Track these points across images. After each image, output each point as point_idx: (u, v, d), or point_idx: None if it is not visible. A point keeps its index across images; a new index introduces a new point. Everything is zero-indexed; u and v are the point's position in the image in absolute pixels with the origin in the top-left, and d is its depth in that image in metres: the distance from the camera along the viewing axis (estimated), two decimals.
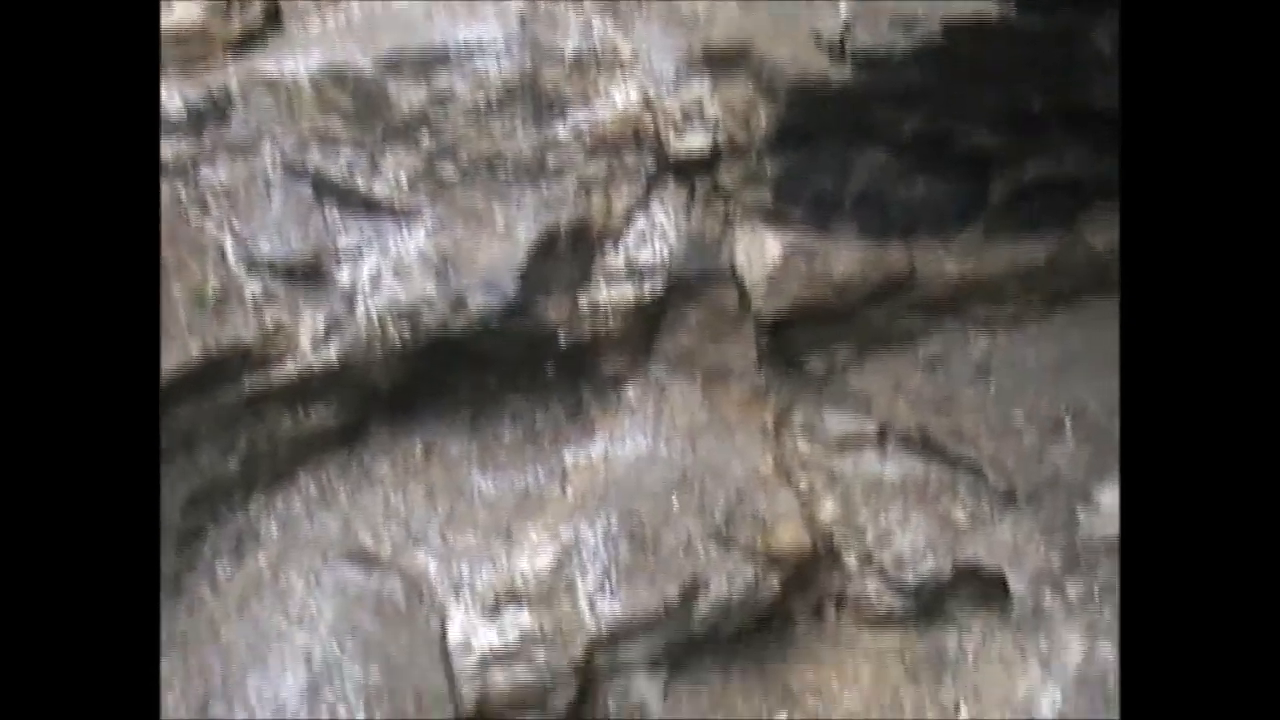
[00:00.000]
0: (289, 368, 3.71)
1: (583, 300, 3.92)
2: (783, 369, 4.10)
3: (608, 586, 3.72)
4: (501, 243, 3.79)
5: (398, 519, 3.84)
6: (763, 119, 3.83)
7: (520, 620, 3.69)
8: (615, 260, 3.93)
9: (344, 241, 3.75)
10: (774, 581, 3.91)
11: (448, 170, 3.82)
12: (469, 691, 3.61)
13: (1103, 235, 3.87)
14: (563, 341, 3.93)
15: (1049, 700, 3.39)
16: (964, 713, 3.89)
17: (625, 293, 3.95)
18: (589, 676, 3.74)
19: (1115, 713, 3.14)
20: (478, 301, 3.78)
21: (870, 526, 4.01)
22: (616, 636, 3.74)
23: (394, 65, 3.75)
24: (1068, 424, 3.84)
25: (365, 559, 3.73)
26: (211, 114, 3.75)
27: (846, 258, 3.96)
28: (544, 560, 3.74)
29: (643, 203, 3.92)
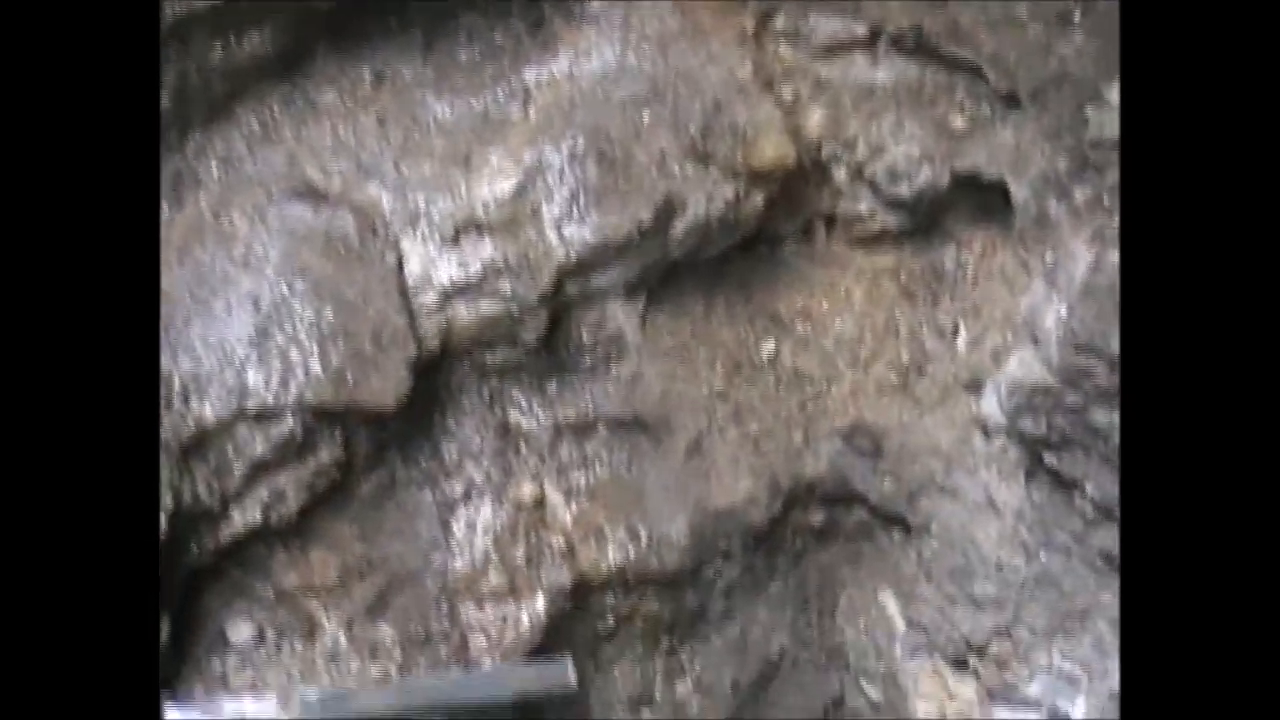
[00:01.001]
0: None
1: None
2: None
3: (576, 211, 3.53)
4: None
5: (347, 152, 3.62)
6: None
7: (483, 250, 3.52)
8: None
9: None
10: (757, 199, 3.70)
11: None
12: (431, 327, 3.48)
13: None
14: None
15: (1054, 314, 3.22)
16: (963, 333, 3.74)
17: None
18: (559, 306, 3.60)
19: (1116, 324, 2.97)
20: None
21: (861, 137, 3.77)
22: (587, 263, 3.57)
23: None
24: (1076, 15, 3.51)
25: (313, 195, 3.53)
26: None
27: None
28: (506, 186, 3.53)
29: None
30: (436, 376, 3.55)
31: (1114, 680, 3.32)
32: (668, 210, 3.57)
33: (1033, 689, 3.54)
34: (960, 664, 3.71)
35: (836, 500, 3.88)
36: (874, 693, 4.06)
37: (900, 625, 3.90)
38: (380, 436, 3.44)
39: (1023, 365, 3.42)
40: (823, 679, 4.10)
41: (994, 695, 3.62)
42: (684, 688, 3.86)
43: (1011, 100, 3.58)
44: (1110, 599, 3.38)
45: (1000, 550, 3.57)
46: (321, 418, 3.31)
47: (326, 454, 3.34)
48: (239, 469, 3.26)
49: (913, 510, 3.74)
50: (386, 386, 3.37)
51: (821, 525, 3.94)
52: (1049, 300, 3.33)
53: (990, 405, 3.51)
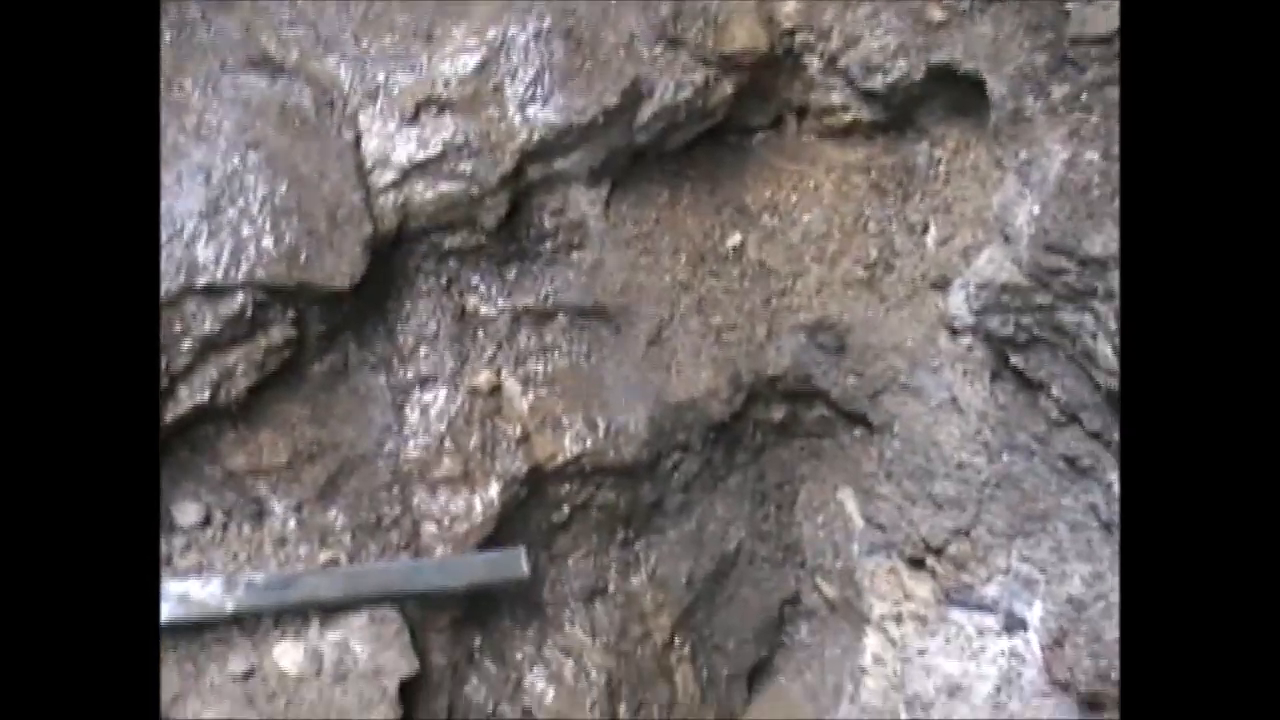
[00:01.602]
0: None
1: None
2: None
3: (540, 91, 3.45)
4: None
5: (305, 22, 3.51)
6: None
7: (443, 128, 3.44)
8: None
9: None
10: (726, 87, 3.64)
11: None
12: (387, 206, 3.41)
13: None
14: None
15: (1026, 212, 3.18)
16: (933, 230, 3.71)
17: None
18: (521, 190, 3.53)
19: (1099, 226, 2.93)
20: None
21: (836, 26, 3.69)
22: (550, 146, 3.50)
23: None
24: None
25: (269, 65, 3.43)
26: None
27: None
28: (469, 62, 3.45)
29: None
30: (393, 258, 3.48)
31: (1072, 585, 3.33)
32: (635, 94, 3.51)
33: (989, 591, 3.55)
34: (917, 563, 3.71)
35: (798, 396, 3.86)
36: (830, 590, 4.07)
37: (859, 523, 3.90)
38: (333, 318, 3.38)
39: (992, 263, 3.39)
40: (779, 576, 4.11)
41: (950, 596, 3.64)
42: (638, 580, 3.85)
43: None
44: (1071, 502, 3.37)
45: (962, 451, 3.56)
46: (273, 295, 3.24)
47: (278, 333, 3.28)
48: (187, 346, 3.18)
49: (875, 408, 3.72)
50: (341, 266, 3.31)
51: (782, 421, 3.92)
52: (1021, 198, 3.29)
53: (958, 303, 3.48)
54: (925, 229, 3.72)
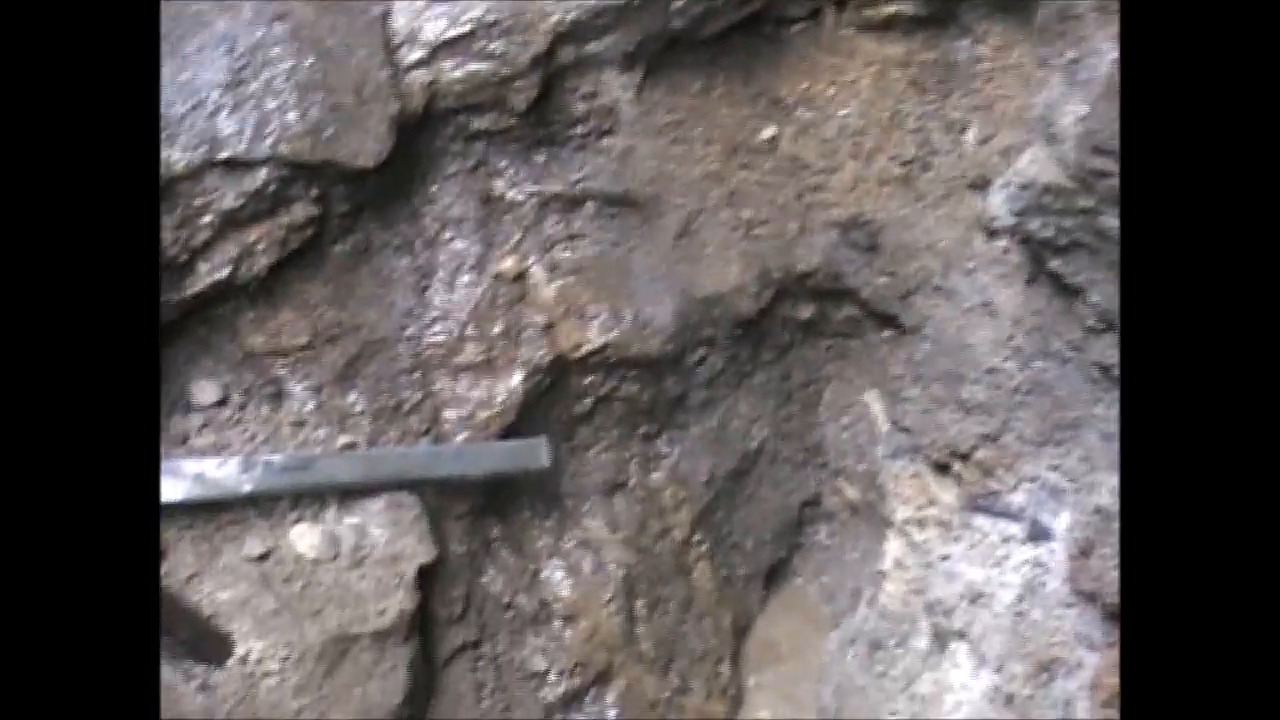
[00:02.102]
0: None
1: None
2: None
3: None
4: None
5: None
6: None
7: (474, 6, 3.37)
8: None
9: None
10: None
11: None
12: (415, 85, 3.33)
13: None
14: None
15: (1072, 113, 3.09)
16: (973, 129, 3.63)
17: None
18: (552, 72, 3.45)
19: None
20: None
21: None
22: (583, 27, 3.43)
23: None
24: None
25: None
26: None
27: None
28: None
29: None
30: (419, 138, 3.41)
31: (1100, 495, 3.28)
32: None
33: (1016, 498, 3.51)
34: (943, 469, 3.67)
35: (828, 295, 3.80)
36: (852, 493, 4.04)
37: (884, 426, 3.85)
38: (357, 197, 3.31)
39: (1035, 164, 3.30)
40: (800, 476, 4.08)
41: (975, 503, 3.60)
42: (659, 476, 3.82)
43: None
44: (1103, 411, 3.32)
45: (994, 356, 3.50)
46: (297, 172, 3.17)
47: (300, 211, 3.21)
48: (207, 220, 3.13)
49: (906, 310, 3.66)
50: (366, 143, 3.24)
51: (810, 319, 3.87)
52: (1067, 98, 3.19)
53: (997, 203, 3.41)
54: (965, 128, 3.64)
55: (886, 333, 3.79)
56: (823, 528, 4.19)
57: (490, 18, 3.36)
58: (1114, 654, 3.18)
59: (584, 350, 3.54)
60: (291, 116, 3.17)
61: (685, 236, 3.61)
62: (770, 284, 3.69)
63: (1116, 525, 3.15)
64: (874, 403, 3.89)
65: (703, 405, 3.84)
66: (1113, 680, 3.12)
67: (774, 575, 4.18)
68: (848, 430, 3.99)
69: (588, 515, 3.69)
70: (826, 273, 3.72)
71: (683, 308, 3.61)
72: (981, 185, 3.53)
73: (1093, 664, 3.23)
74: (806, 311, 3.84)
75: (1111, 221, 3.06)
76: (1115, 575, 3.12)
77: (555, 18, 3.38)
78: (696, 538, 3.89)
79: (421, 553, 3.22)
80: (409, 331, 3.44)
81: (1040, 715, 3.33)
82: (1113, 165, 3.01)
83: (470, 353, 3.45)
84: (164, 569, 2.96)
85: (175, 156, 3.08)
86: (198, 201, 3.12)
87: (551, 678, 3.53)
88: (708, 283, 3.63)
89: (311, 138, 3.17)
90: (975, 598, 3.53)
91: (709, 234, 3.64)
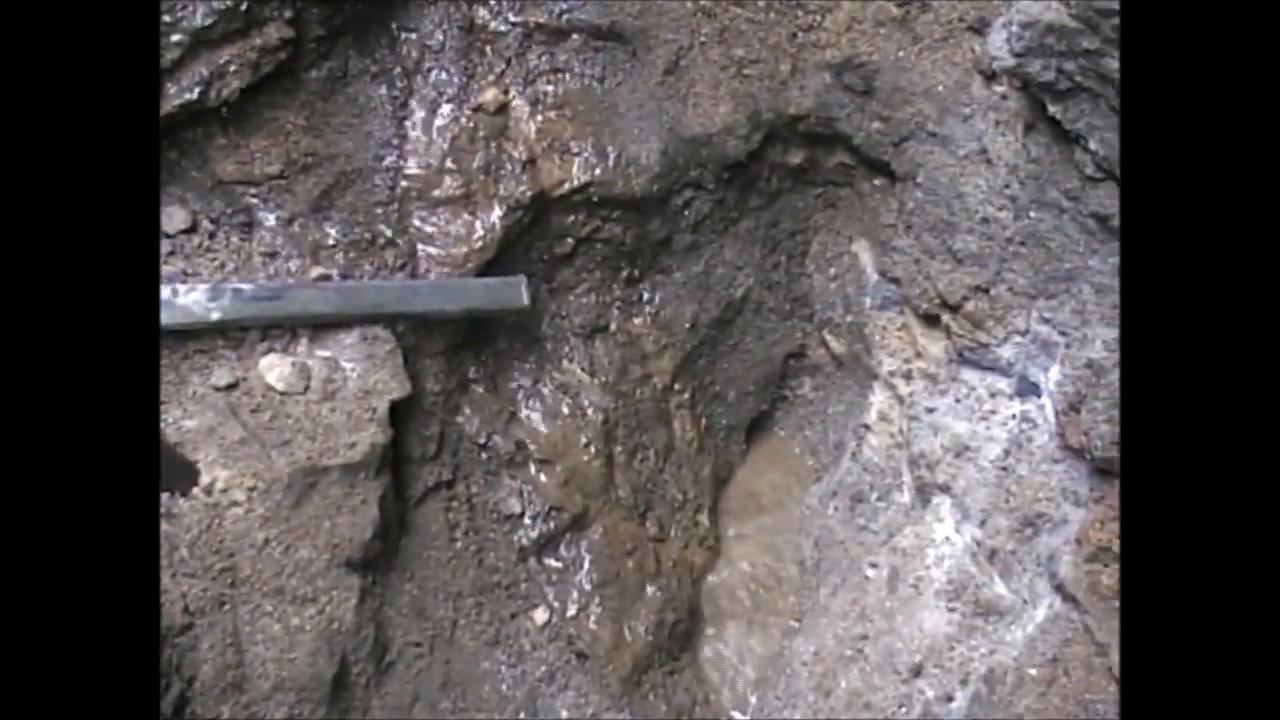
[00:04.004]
0: None
1: None
2: None
3: None
4: None
5: None
6: None
7: None
8: None
9: None
10: None
11: None
12: None
13: None
14: None
15: None
16: None
17: None
18: None
19: None
20: None
21: None
22: None
23: None
24: None
25: None
26: None
27: None
28: None
29: None
30: None
31: (1093, 349, 3.23)
32: None
33: (1005, 352, 3.46)
34: (932, 320, 3.62)
35: (819, 139, 3.71)
36: (837, 345, 3.99)
37: (872, 276, 3.79)
38: (334, 20, 3.20)
39: (1038, 1, 3.19)
40: (785, 327, 4.02)
41: (964, 355, 3.55)
42: (640, 321, 3.76)
43: None
44: (1099, 264, 3.26)
45: (988, 204, 3.43)
46: None
47: (274, 32, 3.09)
48: (176, 39, 3.00)
49: (899, 157, 3.58)
50: None
51: (800, 165, 3.78)
52: None
53: (997, 44, 3.31)
54: None
55: (878, 180, 3.72)
56: (807, 380, 4.15)
57: None
58: (1100, 509, 3.16)
59: (566, 188, 3.46)
60: None
61: (673, 73, 3.51)
62: (760, 126, 3.60)
63: (1108, 379, 3.11)
64: (863, 253, 3.83)
65: (688, 250, 3.77)
66: (1098, 534, 3.10)
67: (756, 426, 4.15)
68: (835, 281, 3.93)
69: (567, 358, 3.64)
70: (819, 116, 3.63)
71: (669, 148, 3.52)
72: (980, 28, 3.43)
73: (1078, 519, 3.22)
74: (797, 157, 3.75)
75: (1114, 64, 2.97)
76: (1105, 429, 3.09)
77: None
78: (678, 385, 3.85)
79: (395, 388, 3.16)
80: (386, 162, 3.35)
81: (1022, 570, 3.31)
82: (1118, 4, 2.91)
83: (449, 186, 3.36)
84: None
85: None
86: (166, 18, 2.99)
87: (526, 520, 3.50)
88: (696, 122, 3.54)
89: None
90: (960, 451, 3.50)
91: (698, 72, 3.54)
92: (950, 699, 3.30)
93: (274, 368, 3.08)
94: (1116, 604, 3.03)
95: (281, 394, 3.06)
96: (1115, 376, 3.10)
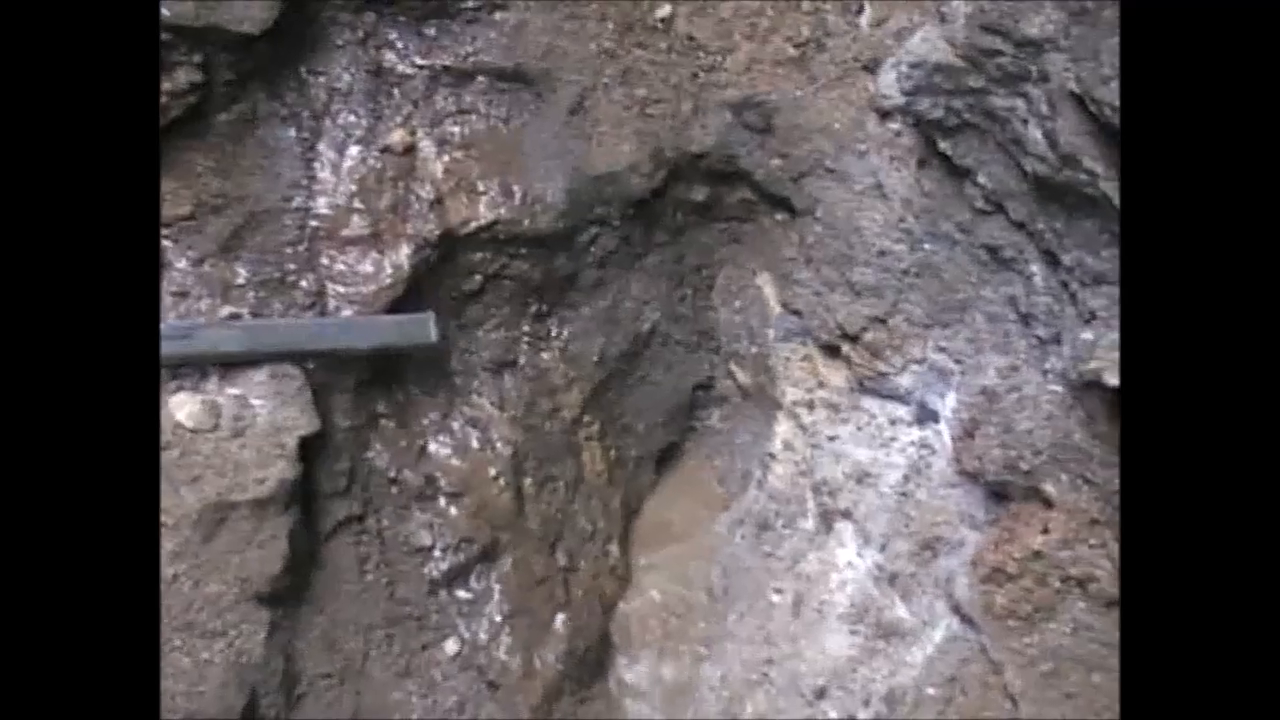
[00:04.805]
0: None
1: None
2: None
3: None
4: None
5: None
6: None
7: None
8: None
9: None
10: None
11: None
12: None
13: None
14: None
15: None
16: (867, 10, 3.67)
17: None
18: None
19: (1038, 7, 2.86)
20: None
21: None
22: None
23: None
24: None
25: None
26: None
27: None
28: None
29: None
30: (307, 5, 3.36)
31: (986, 376, 3.34)
32: None
33: (903, 380, 3.57)
34: (832, 351, 3.72)
35: (721, 176, 3.81)
36: (743, 376, 4.08)
37: (775, 309, 3.89)
38: (243, 65, 3.27)
39: (926, 42, 3.32)
40: (692, 359, 4.11)
41: (864, 384, 3.66)
42: (549, 355, 3.84)
43: None
44: (990, 293, 3.37)
45: (884, 238, 3.54)
46: (179, 36, 3.12)
47: (183, 76, 3.17)
48: None
49: (798, 192, 3.69)
50: (252, 9, 3.20)
51: (704, 202, 3.88)
52: None
53: (888, 83, 3.43)
54: (860, 9, 3.64)
55: (779, 215, 3.81)
56: (715, 411, 4.23)
57: None
58: (994, 531, 3.26)
59: (473, 226, 3.54)
60: None
61: (578, 114, 3.60)
62: (664, 164, 3.69)
63: (1000, 405, 3.22)
64: (766, 286, 3.93)
65: (594, 285, 3.85)
66: (993, 556, 3.19)
67: (666, 457, 4.22)
68: (740, 314, 4.02)
69: (476, 392, 3.71)
70: (720, 154, 3.73)
71: (574, 186, 3.61)
72: (874, 68, 3.55)
73: (974, 541, 3.31)
74: (700, 194, 3.84)
75: (1000, 101, 3.09)
76: (998, 454, 3.19)
77: None
78: (587, 418, 3.92)
79: (304, 424, 3.22)
80: (295, 203, 3.42)
81: (922, 592, 3.40)
82: (1001, 44, 3.03)
83: (357, 226, 3.43)
84: None
85: None
86: None
87: (437, 553, 3.56)
88: (600, 161, 3.63)
89: (195, 1, 3.11)
90: (862, 478, 3.59)
91: (602, 111, 3.63)
92: None
93: (184, 405, 3.13)
94: (1010, 623, 3.11)
95: (191, 431, 3.11)
96: (1008, 402, 3.20)
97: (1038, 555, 3.03)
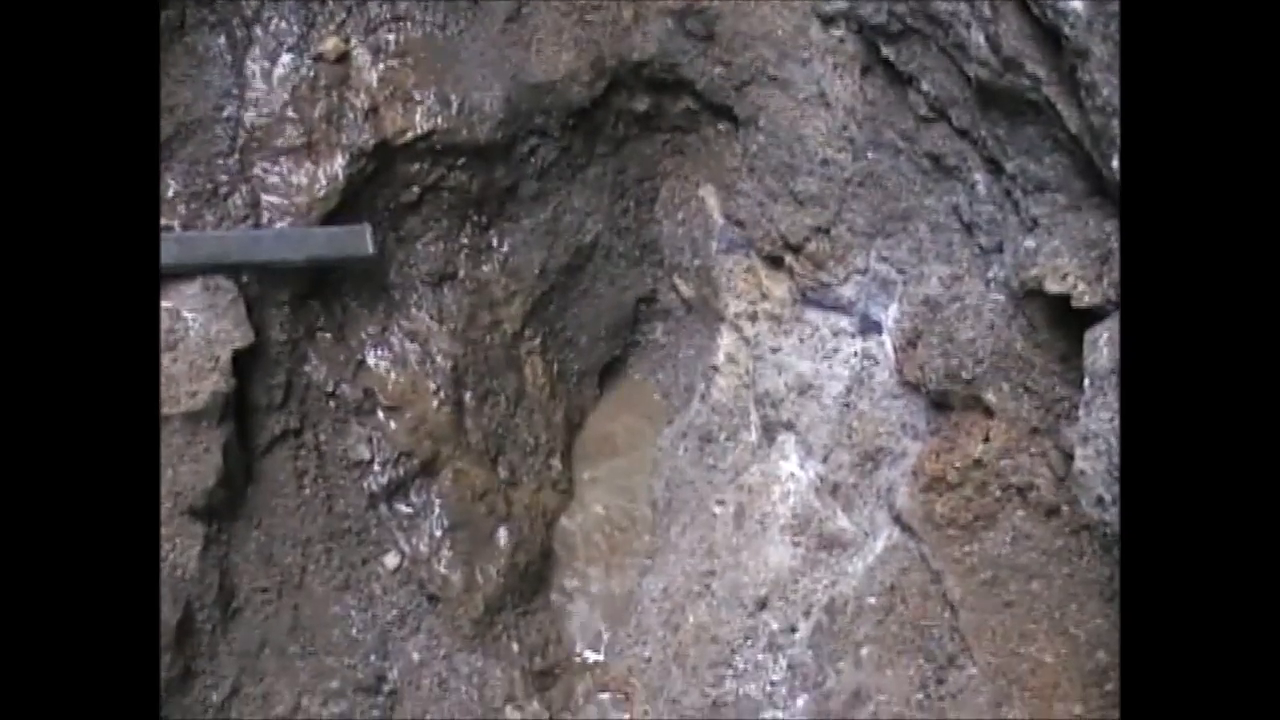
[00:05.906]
0: None
1: None
2: None
3: None
4: None
5: None
6: None
7: None
8: None
9: None
10: None
11: None
12: None
13: None
14: None
15: None
16: None
17: None
18: None
19: None
20: None
21: None
22: None
23: None
24: None
25: None
26: None
27: None
28: None
29: None
30: None
31: (929, 285, 3.32)
32: None
33: (846, 291, 3.55)
34: (775, 262, 3.70)
35: (664, 86, 3.77)
36: (686, 289, 4.06)
37: (719, 220, 3.87)
38: None
39: None
40: (635, 273, 4.09)
41: (806, 296, 3.64)
42: (489, 267, 3.80)
43: None
44: (933, 202, 3.35)
45: (827, 147, 3.51)
46: None
47: None
48: None
49: (741, 101, 3.65)
50: None
51: (646, 112, 3.84)
52: None
53: None
54: None
55: (723, 125, 3.78)
56: (659, 324, 4.22)
57: None
58: (935, 441, 3.26)
59: (409, 136, 3.49)
60: None
61: (516, 21, 3.55)
62: (604, 73, 3.64)
63: (942, 315, 3.20)
64: (709, 197, 3.90)
65: (535, 197, 3.81)
66: (933, 465, 3.20)
67: (609, 371, 4.20)
68: (683, 226, 3.99)
69: (415, 306, 3.68)
70: (662, 62, 3.68)
71: (513, 95, 3.56)
72: None
73: (915, 452, 3.31)
74: (642, 104, 3.80)
75: (943, 5, 3.05)
76: (939, 364, 3.18)
77: None
78: (528, 332, 3.90)
79: (238, 337, 3.19)
80: (226, 113, 3.37)
81: (863, 503, 3.41)
82: None
83: (290, 136, 3.38)
84: None
85: None
86: None
87: (375, 467, 3.54)
88: (539, 69, 3.58)
89: None
90: (804, 389, 3.59)
91: (541, 19, 3.58)
92: (794, 629, 3.40)
93: None
94: (950, 532, 3.12)
95: None
96: (949, 312, 3.19)
97: (978, 464, 3.03)
